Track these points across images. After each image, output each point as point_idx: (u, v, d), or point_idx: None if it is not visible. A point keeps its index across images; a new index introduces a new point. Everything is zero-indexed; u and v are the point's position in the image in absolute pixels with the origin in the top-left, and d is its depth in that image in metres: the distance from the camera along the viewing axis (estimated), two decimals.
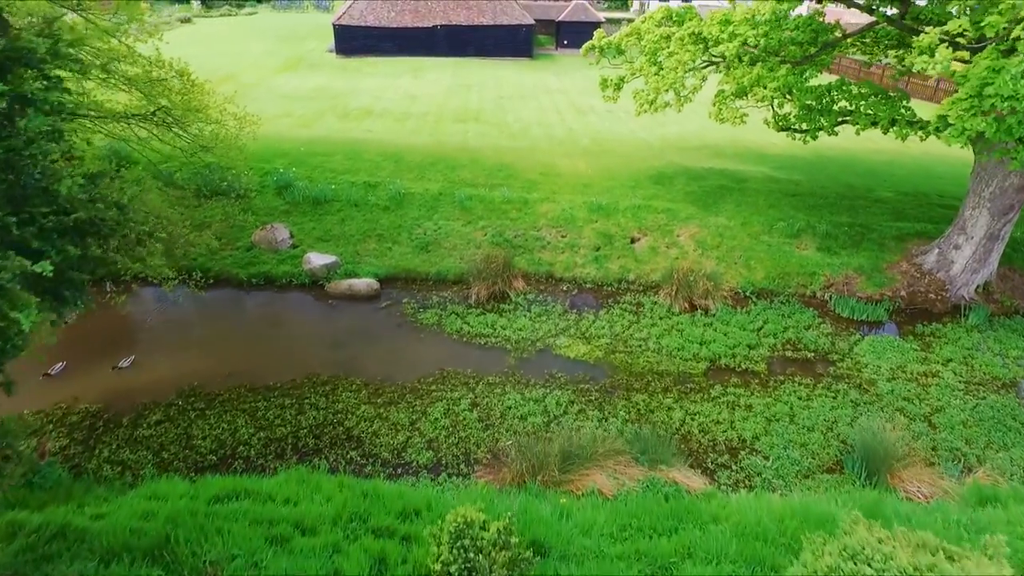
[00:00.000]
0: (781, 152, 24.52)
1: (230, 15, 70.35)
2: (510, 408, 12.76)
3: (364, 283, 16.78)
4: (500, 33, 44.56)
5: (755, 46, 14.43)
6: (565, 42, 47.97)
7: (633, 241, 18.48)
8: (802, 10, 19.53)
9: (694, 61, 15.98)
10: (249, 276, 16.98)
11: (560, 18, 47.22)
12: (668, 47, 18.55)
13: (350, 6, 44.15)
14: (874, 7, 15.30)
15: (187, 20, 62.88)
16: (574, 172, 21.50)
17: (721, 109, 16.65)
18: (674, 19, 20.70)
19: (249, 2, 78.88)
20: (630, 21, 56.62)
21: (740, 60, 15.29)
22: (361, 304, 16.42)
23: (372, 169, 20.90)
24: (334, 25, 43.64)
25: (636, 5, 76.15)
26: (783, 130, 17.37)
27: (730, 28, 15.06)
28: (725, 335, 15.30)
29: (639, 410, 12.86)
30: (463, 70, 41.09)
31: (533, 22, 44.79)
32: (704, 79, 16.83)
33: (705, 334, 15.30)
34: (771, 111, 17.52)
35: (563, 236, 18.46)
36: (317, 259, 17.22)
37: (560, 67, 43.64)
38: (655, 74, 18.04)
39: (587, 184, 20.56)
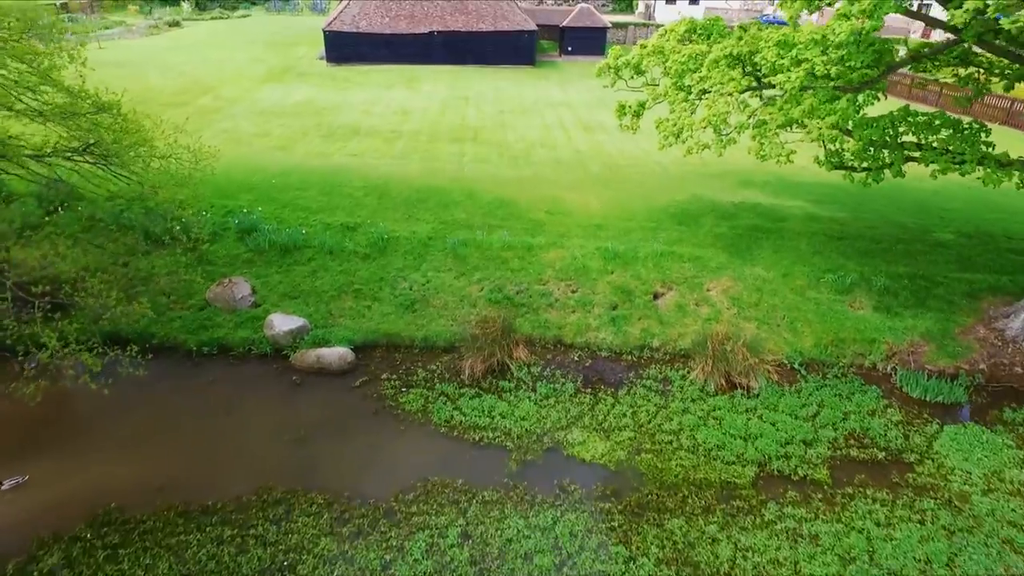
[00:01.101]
0: (816, 179, 21.56)
1: (222, 18, 67.42)
2: (510, 541, 9.89)
3: (336, 354, 13.87)
4: (500, 40, 41.59)
5: (824, 75, 11.46)
6: (569, 48, 44.99)
7: (656, 297, 15.56)
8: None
9: (738, 91, 12.92)
10: (199, 344, 14.08)
11: (564, 23, 44.24)
12: (699, 69, 15.65)
13: (341, 11, 41.19)
14: (962, 28, 12.33)
15: (175, 24, 59.96)
16: (584, 209, 18.57)
17: (763, 145, 13.69)
18: (699, 32, 17.85)
19: (243, 4, 75.89)
20: (637, 25, 53.52)
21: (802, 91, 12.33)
22: (332, 381, 13.52)
23: (352, 206, 17.98)
24: (324, 32, 40.68)
25: (641, 7, 73.10)
26: (838, 168, 14.43)
27: (792, 52, 11.97)
28: (774, 425, 12.40)
29: (675, 543, 9.97)
30: (461, 80, 38.14)
31: (535, 28, 41.80)
32: (752, 115, 13.78)
33: (749, 424, 12.39)
34: (822, 147, 14.57)
35: (573, 291, 15.55)
36: (282, 322, 14.32)
37: (564, 76, 40.67)
38: (682, 100, 15.13)
39: (600, 225, 17.63)
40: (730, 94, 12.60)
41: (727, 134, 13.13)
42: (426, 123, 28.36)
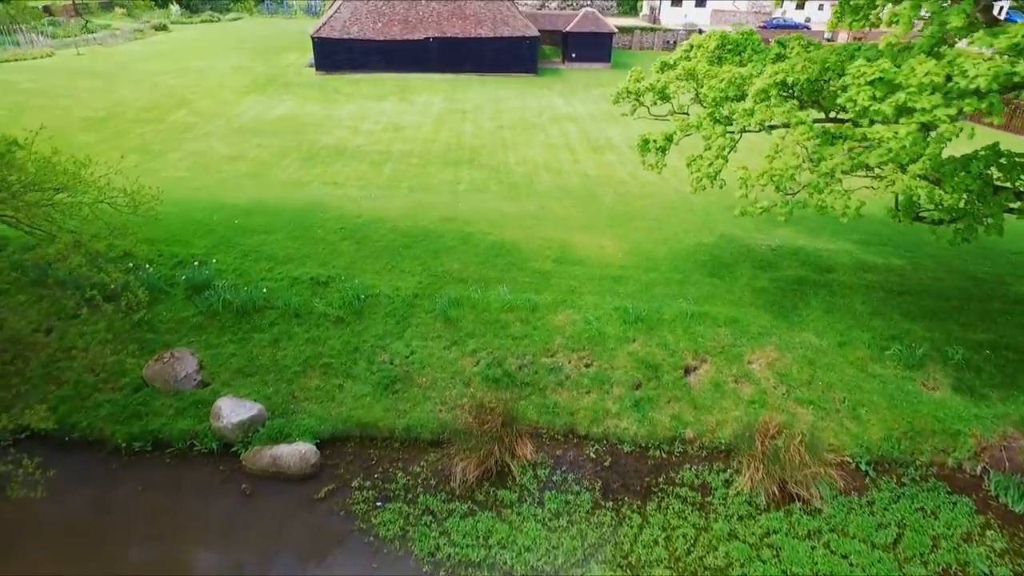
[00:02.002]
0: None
1: (212, 21, 64.58)
2: None
3: (296, 453, 11.13)
4: (500, 46, 38.78)
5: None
6: (573, 55, 42.17)
7: (687, 372, 12.80)
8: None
9: (808, 139, 9.88)
10: (129, 438, 11.34)
11: (568, 29, 41.42)
12: (741, 96, 12.89)
13: (331, 16, 38.37)
14: None
15: (162, 27, 57.11)
16: (598, 255, 15.79)
17: (823, 196, 10.80)
18: (729, 49, 15.12)
19: (235, 6, 73.02)
20: (643, 30, 50.70)
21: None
22: (291, 490, 10.78)
23: (326, 254, 15.19)
24: (313, 38, 37.87)
25: (646, 9, 70.23)
26: (917, 221, 11.65)
27: (899, 98, 8.51)
28: (846, 559, 9.66)
29: None
30: (458, 90, 35.34)
31: (538, 34, 38.98)
32: (817, 159, 10.59)
33: (816, 557, 9.65)
34: (895, 196, 11.76)
35: (587, 365, 12.78)
36: (232, 410, 11.57)
37: (568, 85, 37.88)
38: (720, 135, 12.36)
39: (617, 277, 14.85)
40: (803, 145, 9.71)
41: (792, 194, 10.17)
42: (418, 142, 25.58)
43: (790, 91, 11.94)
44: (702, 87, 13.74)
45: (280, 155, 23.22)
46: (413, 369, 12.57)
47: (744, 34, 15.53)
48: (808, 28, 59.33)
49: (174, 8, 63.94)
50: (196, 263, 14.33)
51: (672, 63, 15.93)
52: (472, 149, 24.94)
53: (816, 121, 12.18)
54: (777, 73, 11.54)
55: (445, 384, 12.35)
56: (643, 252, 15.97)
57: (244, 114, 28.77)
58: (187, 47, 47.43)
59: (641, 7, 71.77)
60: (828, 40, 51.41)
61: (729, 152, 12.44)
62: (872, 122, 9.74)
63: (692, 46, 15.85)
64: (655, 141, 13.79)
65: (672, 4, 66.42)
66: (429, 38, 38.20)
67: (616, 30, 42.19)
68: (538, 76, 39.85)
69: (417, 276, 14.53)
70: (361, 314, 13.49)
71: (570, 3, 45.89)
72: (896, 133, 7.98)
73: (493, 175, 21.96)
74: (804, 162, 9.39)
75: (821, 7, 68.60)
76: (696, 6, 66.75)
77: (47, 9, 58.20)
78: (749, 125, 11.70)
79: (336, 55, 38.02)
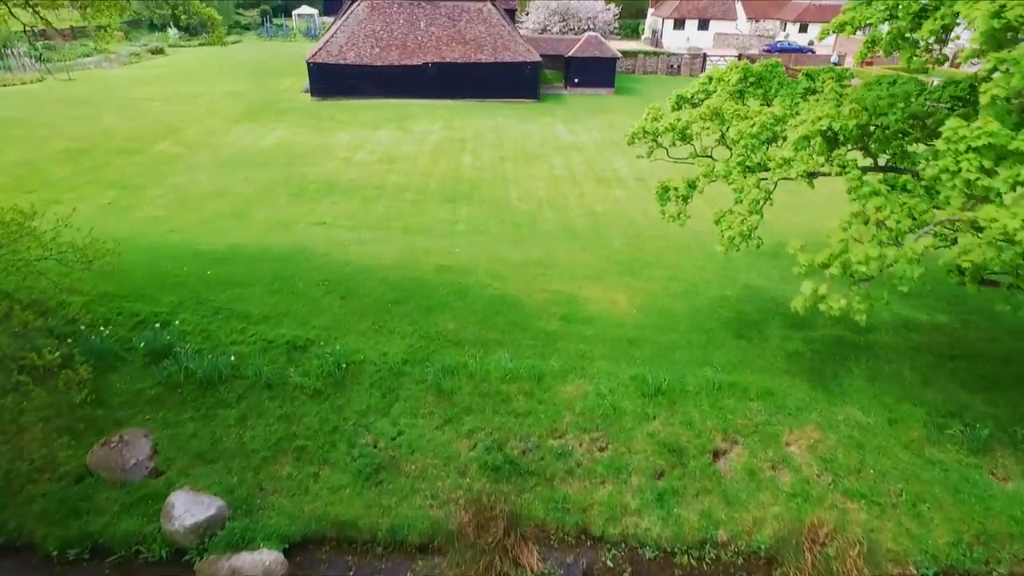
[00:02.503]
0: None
1: (211, 44, 63.58)
2: None
3: (260, 563, 9.34)
4: (501, 71, 37.48)
5: None
6: (576, 80, 40.88)
7: (717, 457, 11.04)
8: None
9: (889, 211, 7.88)
10: (63, 543, 9.56)
11: (570, 54, 40.17)
12: (773, 139, 11.34)
13: (328, 41, 37.13)
14: None
15: (159, 51, 56.14)
16: (610, 311, 14.08)
17: (881, 259, 9.03)
18: (751, 82, 13.62)
19: (234, 30, 72.22)
20: (647, 54, 49.55)
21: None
22: None
23: (306, 311, 13.49)
24: (308, 63, 36.57)
25: (648, 33, 69.38)
26: (985, 285, 9.93)
27: (1016, 173, 6.41)
28: None
29: None
30: (457, 117, 33.93)
31: (540, 59, 37.70)
32: (914, 248, 8.35)
33: None
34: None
35: (601, 449, 11.03)
36: (187, 509, 9.80)
37: (571, 111, 36.49)
38: (754, 186, 10.74)
39: (632, 338, 13.13)
40: (879, 223, 7.84)
41: (868, 279, 8.21)
42: (414, 175, 24.03)
43: (832, 135, 10.34)
44: (728, 128, 12.20)
45: (267, 190, 21.64)
46: (400, 454, 10.81)
47: (768, 66, 14.01)
48: (812, 51, 58.29)
49: (172, 31, 63.02)
50: (158, 324, 12.62)
51: (689, 97, 14.45)
52: (471, 183, 23.38)
53: (864, 169, 10.59)
54: (820, 119, 9.93)
55: (437, 472, 10.59)
56: (660, 307, 14.27)
57: (233, 144, 27.28)
58: (182, 71, 46.30)
59: (643, 30, 70.97)
60: (835, 64, 50.25)
61: (764, 205, 10.82)
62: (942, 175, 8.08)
63: (711, 79, 14.37)
64: (676, 189, 12.15)
65: (674, 27, 65.62)
66: (428, 63, 36.92)
67: (620, 55, 40.95)
68: (540, 102, 38.52)
69: (408, 338, 12.81)
70: (342, 385, 11.76)
71: (572, 27, 44.73)
72: (1016, 215, 6.22)
73: (493, 213, 20.36)
74: (876, 236, 7.66)
75: None
76: (698, 29, 65.96)
77: (43, 33, 57.22)
78: (788, 175, 10.09)
79: (332, 81, 36.71)
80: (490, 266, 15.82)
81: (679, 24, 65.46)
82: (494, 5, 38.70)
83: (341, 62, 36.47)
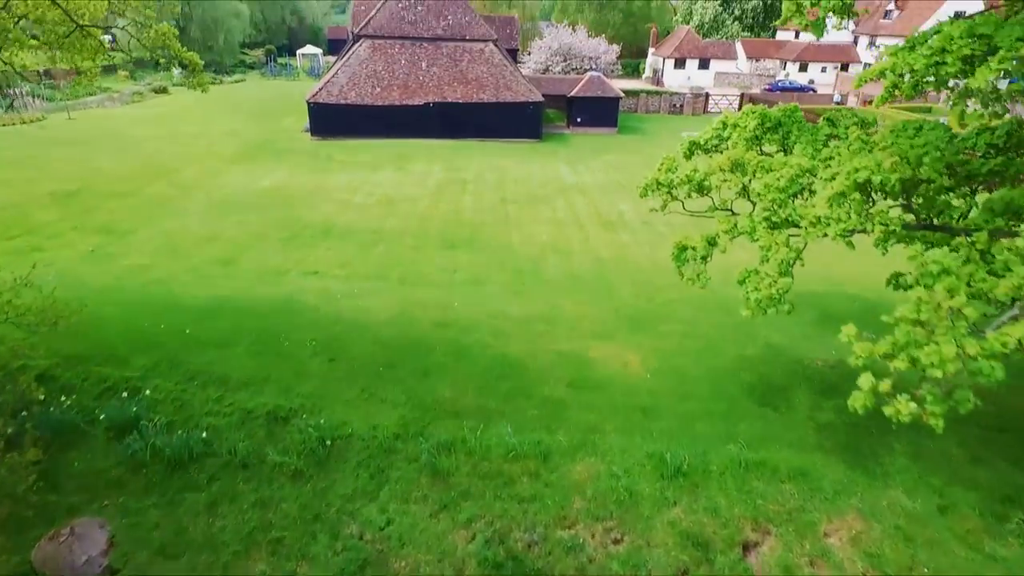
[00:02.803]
0: None
1: (215, 83, 63.74)
2: None
3: None
4: (503, 111, 36.99)
5: None
6: (579, 120, 40.42)
7: (747, 551, 9.72)
8: None
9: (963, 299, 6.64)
10: None
11: (572, 93, 39.79)
12: (800, 191, 10.35)
13: (329, 81, 36.75)
14: None
15: (162, 90, 56.15)
16: (622, 374, 12.90)
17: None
18: (768, 127, 12.73)
19: (238, 69, 72.72)
20: (649, 93, 49.29)
21: None
22: None
23: (290, 376, 12.33)
24: (309, 103, 36.13)
25: (649, 71, 69.64)
26: None
27: None
28: None
29: None
30: (459, 157, 33.26)
31: (542, 99, 37.26)
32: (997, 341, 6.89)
33: None
34: None
35: (616, 540, 9.72)
36: None
37: (574, 151, 35.85)
38: (783, 244, 9.69)
39: (647, 407, 11.92)
40: (952, 310, 6.64)
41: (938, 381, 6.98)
42: (413, 218, 23.12)
43: (865, 187, 9.32)
44: (750, 179, 11.23)
45: (259, 236, 20.69)
46: (389, 547, 9.51)
47: (786, 110, 13.11)
48: (814, 90, 58.22)
49: (176, 71, 63.21)
50: (126, 392, 11.45)
51: (703, 143, 13.54)
52: (472, 226, 22.44)
53: (907, 227, 9.55)
54: (857, 171, 8.91)
55: (430, 570, 9.26)
56: (675, 369, 13.08)
57: (228, 186, 26.49)
58: (183, 111, 46.04)
59: (643, 69, 71.30)
60: (838, 103, 49.98)
61: (794, 265, 9.75)
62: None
63: (725, 124, 13.46)
64: (694, 249, 11.09)
65: (675, 66, 65.86)
66: (429, 103, 36.46)
67: (622, 94, 40.55)
68: (543, 142, 37.95)
69: (400, 408, 11.61)
70: (326, 465, 10.51)
71: (575, 67, 44.55)
72: None
73: (495, 259, 19.34)
74: (952, 330, 6.46)
75: (824, 69, 67.99)
76: (699, 68, 66.19)
77: (48, 73, 57.41)
78: (824, 234, 9.03)
79: (332, 121, 36.21)
80: (491, 322, 14.69)
81: (680, 63, 65.76)
82: (496, 46, 38.47)
83: (342, 102, 36.02)
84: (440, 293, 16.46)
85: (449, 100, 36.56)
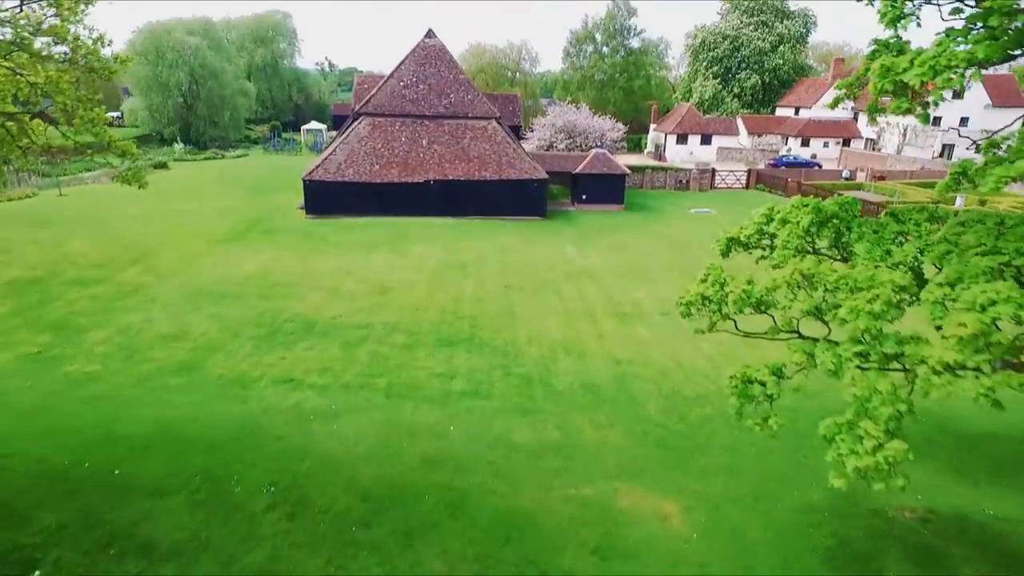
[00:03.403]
0: (1000, 426, 13.36)
1: (216, 158, 63.31)
2: None
3: None
4: (506, 189, 35.45)
5: None
6: (584, 197, 38.89)
7: None
8: None
9: None
10: None
11: (577, 170, 38.45)
12: (885, 308, 7.98)
13: (326, 158, 35.42)
14: None
15: (162, 165, 55.26)
16: (661, 536, 10.10)
17: None
18: (820, 222, 10.60)
19: (242, 144, 72.72)
20: (654, 169, 48.15)
21: None
22: None
23: (235, 543, 9.55)
24: (304, 181, 34.62)
25: (651, 146, 69.43)
26: None
27: None
28: None
29: None
30: (459, 237, 31.35)
31: (546, 176, 35.80)
32: None
33: None
34: None
35: None
36: None
37: (580, 230, 34.00)
38: (889, 394, 7.20)
39: None
40: None
41: None
42: (408, 310, 20.79)
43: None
44: (823, 291, 8.89)
45: (233, 332, 18.30)
46: None
47: (843, 204, 11.00)
48: (819, 165, 57.38)
49: (178, 146, 62.94)
50: (15, 569, 8.67)
51: (742, 239, 11.41)
52: (472, 319, 20.07)
53: None
54: (993, 303, 6.54)
55: None
56: (728, 526, 10.30)
57: (209, 271, 24.35)
58: (179, 186, 44.77)
59: (645, 144, 71.18)
60: (847, 179, 48.81)
61: (904, 420, 7.24)
62: None
63: (771, 218, 11.35)
64: (760, 382, 8.60)
65: (678, 142, 65.58)
66: (429, 181, 34.96)
67: (628, 171, 39.21)
68: (547, 220, 36.22)
69: None
70: None
71: (579, 144, 43.57)
72: None
73: (499, 362, 16.84)
74: None
75: (826, 144, 67.75)
76: (701, 143, 65.90)
77: (48, 148, 56.85)
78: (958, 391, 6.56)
79: (328, 199, 34.59)
80: (494, 456, 12.00)
81: (682, 139, 65.50)
82: (499, 123, 37.44)
83: (339, 179, 34.53)
84: (433, 412, 13.83)
85: (450, 178, 35.10)
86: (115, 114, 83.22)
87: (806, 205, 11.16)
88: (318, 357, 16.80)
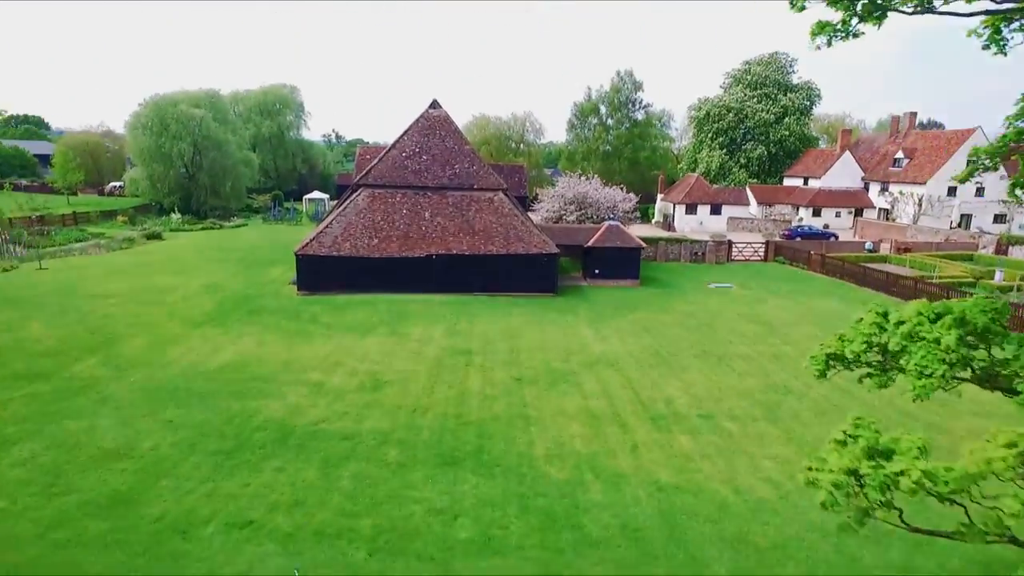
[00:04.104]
0: None
1: (214, 228, 61.30)
2: None
3: None
4: (514, 264, 32.73)
5: None
6: (596, 271, 36.14)
7: None
8: None
9: None
10: None
11: (590, 244, 35.89)
12: None
13: (321, 231, 32.92)
14: None
15: (156, 236, 53.00)
16: None
17: None
18: (970, 331, 7.59)
19: (243, 214, 71.07)
20: (668, 241, 45.64)
21: None
22: None
23: None
24: (297, 256, 31.97)
25: (659, 216, 67.57)
26: None
27: None
28: None
29: None
30: (463, 317, 28.32)
31: (557, 250, 33.17)
32: None
33: None
34: None
35: None
36: None
37: (595, 308, 30.98)
38: None
39: None
40: None
41: None
42: (403, 411, 17.48)
43: None
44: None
45: (190, 446, 14.95)
46: None
47: (991, 310, 8.04)
48: (835, 236, 55.06)
49: (175, 216, 61.08)
50: None
51: (846, 355, 8.47)
52: (479, 426, 16.72)
53: None
54: None
55: None
56: None
57: (179, 360, 21.18)
58: (168, 259, 42.22)
59: (653, 214, 69.40)
60: (870, 251, 46.23)
61: None
62: None
63: (883, 326, 8.43)
64: None
65: (687, 211, 63.73)
66: (432, 255, 32.28)
67: (644, 244, 36.63)
68: (558, 296, 33.29)
69: None
70: None
71: (590, 216, 41.32)
72: None
73: (514, 489, 13.40)
74: None
75: (838, 214, 65.90)
76: (711, 213, 64.05)
77: (41, 219, 54.99)
78: None
79: (323, 275, 31.84)
80: None
81: (691, 209, 63.72)
82: (506, 194, 35.19)
83: (334, 254, 31.87)
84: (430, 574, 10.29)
85: (454, 252, 32.45)
86: (117, 183, 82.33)
87: (941, 315, 8.16)
88: (290, 483, 13.39)
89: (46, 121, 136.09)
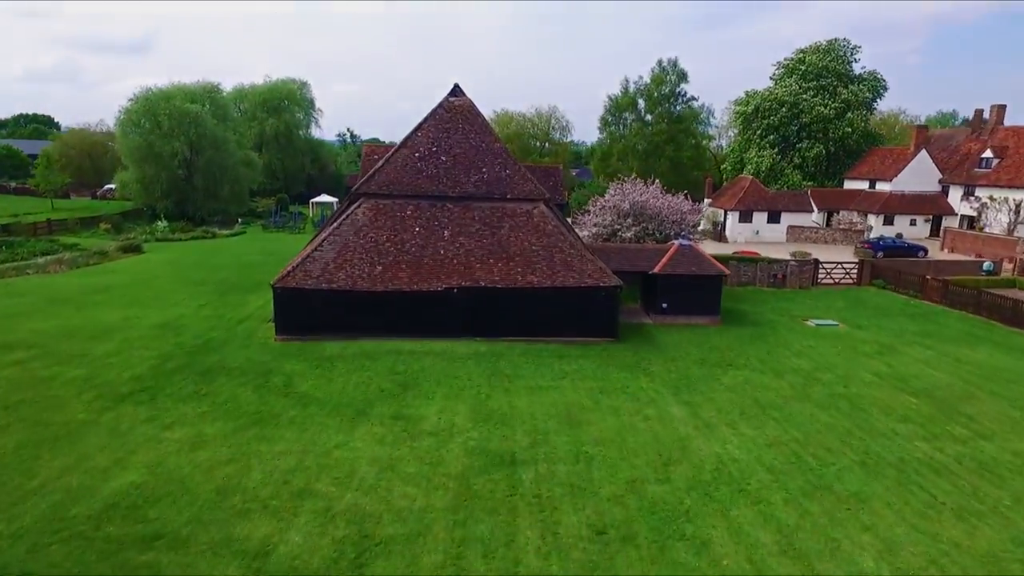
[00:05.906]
0: None
1: (206, 237, 53.24)
2: None
3: None
4: (563, 300, 24.00)
5: None
6: (664, 305, 27.24)
7: None
8: None
9: None
10: None
11: (656, 269, 27.01)
12: None
13: (308, 256, 24.38)
14: None
15: (134, 248, 44.89)
16: None
17: None
18: None
19: (243, 217, 63.03)
20: (742, 261, 36.00)
21: None
22: None
23: None
24: (275, 290, 23.46)
25: (707, 225, 58.31)
26: None
27: None
28: None
29: None
30: (497, 380, 19.67)
31: (620, 282, 24.34)
32: None
33: None
34: None
35: None
36: None
37: (674, 362, 22.11)
38: None
39: None
40: None
41: None
42: None
43: None
44: None
45: None
46: None
47: None
48: (924, 250, 45.55)
49: (161, 223, 53.09)
50: None
51: None
52: None
53: None
54: None
55: None
56: None
57: (44, 490, 12.77)
58: (135, 280, 34.03)
59: (700, 223, 60.16)
60: (988, 272, 36.80)
61: None
62: None
63: None
64: None
65: (740, 219, 54.49)
66: (453, 288, 23.62)
67: (727, 270, 27.64)
68: (619, 342, 24.45)
69: None
70: None
71: (651, 231, 32.36)
72: None
73: None
74: None
75: (913, 222, 56.26)
76: (768, 221, 54.71)
77: (6, 228, 47.26)
78: None
79: (308, 314, 23.36)
80: None
81: (745, 216, 54.50)
82: (548, 206, 26.45)
83: (323, 287, 23.35)
84: None
85: (482, 284, 23.75)
86: (109, 186, 74.77)
87: None
88: None
89: (55, 120, 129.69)
